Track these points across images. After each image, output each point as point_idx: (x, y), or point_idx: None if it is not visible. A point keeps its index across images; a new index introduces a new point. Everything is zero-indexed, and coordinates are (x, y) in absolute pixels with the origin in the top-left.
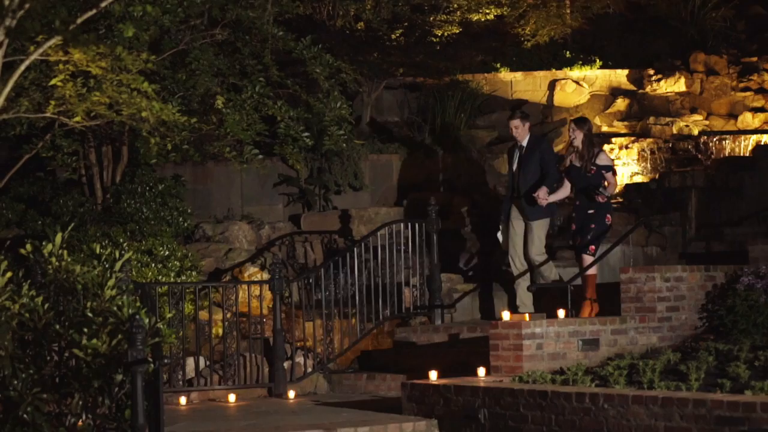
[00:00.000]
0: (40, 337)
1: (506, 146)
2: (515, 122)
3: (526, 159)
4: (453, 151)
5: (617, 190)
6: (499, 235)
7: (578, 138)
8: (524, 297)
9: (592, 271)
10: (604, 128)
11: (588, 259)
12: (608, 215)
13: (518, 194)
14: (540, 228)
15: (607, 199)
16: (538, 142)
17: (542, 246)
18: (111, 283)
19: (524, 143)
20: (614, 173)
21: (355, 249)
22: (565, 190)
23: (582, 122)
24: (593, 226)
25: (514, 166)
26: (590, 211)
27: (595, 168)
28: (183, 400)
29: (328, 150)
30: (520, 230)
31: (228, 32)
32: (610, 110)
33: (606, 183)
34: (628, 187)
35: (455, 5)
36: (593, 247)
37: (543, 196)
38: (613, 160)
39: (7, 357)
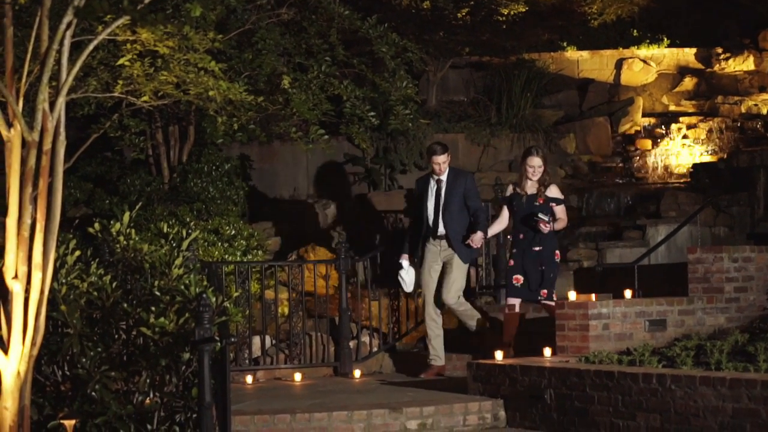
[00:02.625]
0: (108, 315)
1: (573, 125)
2: (441, 158)
3: (448, 195)
4: (518, 130)
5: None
6: (404, 275)
7: (540, 171)
8: (437, 346)
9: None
10: (672, 107)
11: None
12: (557, 252)
13: (435, 234)
14: (463, 269)
15: (554, 232)
16: (461, 176)
17: (461, 288)
18: (178, 262)
19: (443, 177)
20: (564, 207)
21: None
22: (502, 222)
23: (538, 151)
24: (543, 268)
25: (430, 202)
26: (536, 248)
27: (543, 198)
28: (249, 378)
29: (393, 129)
30: (436, 274)
31: (294, 12)
32: (677, 89)
33: (553, 218)
34: (696, 167)
35: None
36: (545, 291)
37: (477, 242)
38: (564, 195)
39: (75, 335)
